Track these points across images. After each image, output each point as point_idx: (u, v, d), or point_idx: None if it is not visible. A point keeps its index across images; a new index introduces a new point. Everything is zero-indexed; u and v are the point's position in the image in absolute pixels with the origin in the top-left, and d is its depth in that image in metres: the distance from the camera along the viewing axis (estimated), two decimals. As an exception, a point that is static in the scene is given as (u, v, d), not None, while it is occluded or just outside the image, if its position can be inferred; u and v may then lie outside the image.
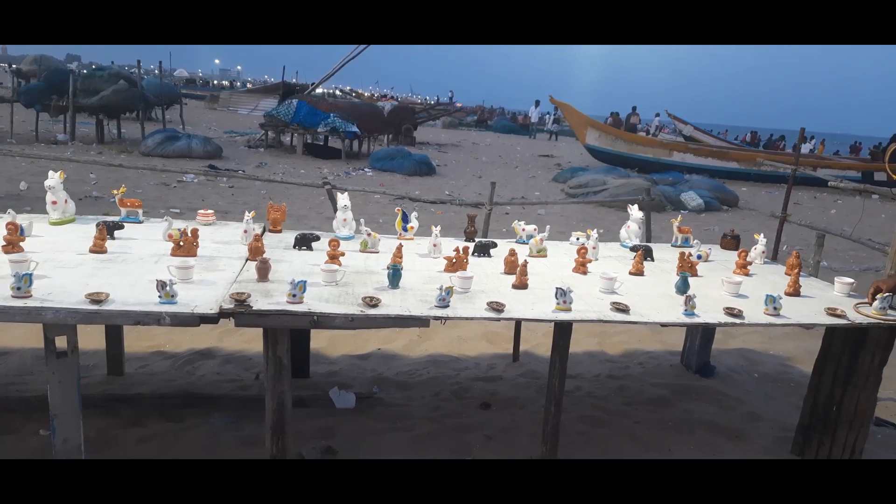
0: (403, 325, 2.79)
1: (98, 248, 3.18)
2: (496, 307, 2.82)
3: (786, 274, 3.79)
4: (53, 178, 3.62)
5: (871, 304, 3.20)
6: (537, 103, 31.86)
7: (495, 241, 4.04)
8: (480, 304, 2.88)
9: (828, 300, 3.42)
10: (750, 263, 3.94)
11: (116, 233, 3.51)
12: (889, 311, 3.18)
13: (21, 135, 15.16)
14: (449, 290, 2.82)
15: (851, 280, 3.59)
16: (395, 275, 3.04)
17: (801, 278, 3.58)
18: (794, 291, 3.46)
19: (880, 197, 14.44)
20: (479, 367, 4.75)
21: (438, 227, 3.77)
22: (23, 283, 2.47)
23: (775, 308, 3.07)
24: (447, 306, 2.80)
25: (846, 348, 3.38)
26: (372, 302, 2.76)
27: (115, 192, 4.00)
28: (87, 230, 3.50)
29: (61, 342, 2.55)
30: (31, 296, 2.48)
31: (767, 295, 3.10)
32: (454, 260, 3.39)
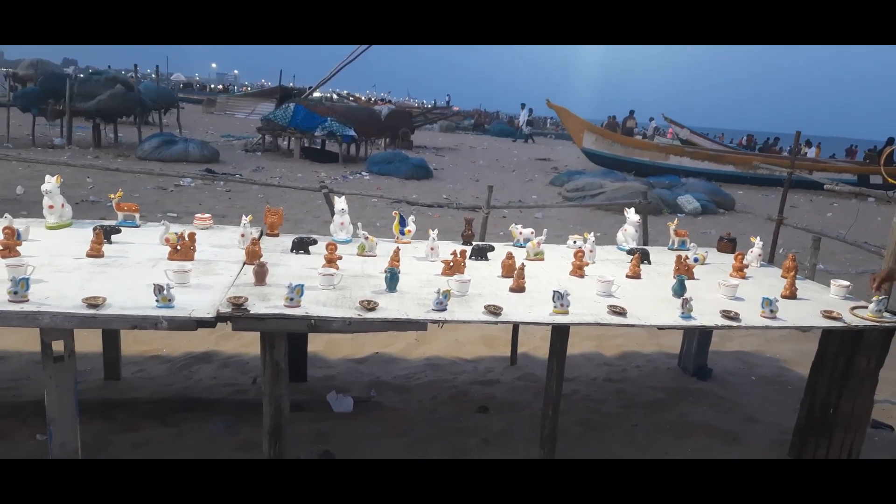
0: (401, 329, 2.79)
1: (95, 253, 3.18)
2: (494, 310, 2.83)
3: (782, 277, 3.80)
4: (50, 183, 3.62)
5: (875, 291, 3.21)
6: (522, 106, 32.00)
7: (492, 244, 4.05)
8: (478, 308, 2.88)
9: (824, 303, 3.43)
10: (746, 266, 3.95)
11: (113, 237, 3.51)
12: (885, 314, 3.20)
13: (17, 139, 15.13)
14: (446, 294, 2.83)
15: (847, 283, 3.61)
16: (392, 278, 3.05)
17: (797, 281, 3.59)
18: (791, 294, 3.47)
19: (876, 200, 14.48)
20: (476, 370, 4.75)
21: (436, 231, 3.78)
22: (20, 287, 2.46)
23: (772, 311, 3.08)
24: (445, 310, 2.81)
25: (842, 351, 3.38)
26: (369, 305, 2.76)
27: (112, 196, 3.99)
28: (83, 234, 3.49)
29: (58, 346, 2.55)
30: (27, 300, 2.48)
31: (764, 298, 3.11)
32: (451, 263, 3.39)
